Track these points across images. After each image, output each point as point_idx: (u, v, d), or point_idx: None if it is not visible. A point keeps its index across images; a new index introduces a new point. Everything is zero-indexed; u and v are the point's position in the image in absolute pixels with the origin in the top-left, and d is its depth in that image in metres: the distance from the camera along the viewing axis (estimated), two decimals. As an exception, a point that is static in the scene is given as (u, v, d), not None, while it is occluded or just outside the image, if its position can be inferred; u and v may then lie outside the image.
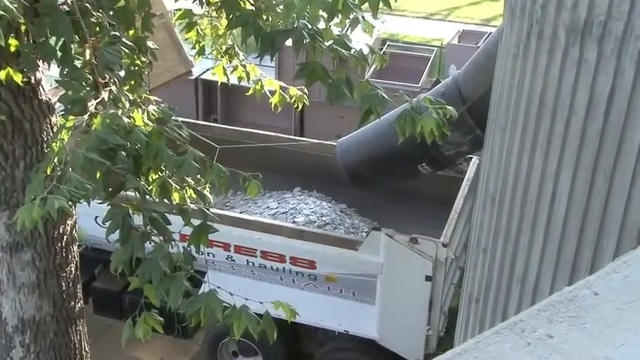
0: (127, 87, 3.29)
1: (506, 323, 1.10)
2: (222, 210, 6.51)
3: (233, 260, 5.99)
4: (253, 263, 5.94)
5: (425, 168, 6.08)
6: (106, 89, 2.94)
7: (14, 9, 2.62)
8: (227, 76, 4.32)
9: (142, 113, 3.08)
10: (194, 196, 3.28)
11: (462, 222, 5.95)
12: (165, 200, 3.10)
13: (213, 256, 5.94)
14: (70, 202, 2.57)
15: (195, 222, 3.16)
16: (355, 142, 6.37)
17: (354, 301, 5.90)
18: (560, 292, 1.18)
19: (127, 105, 3.01)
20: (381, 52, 3.80)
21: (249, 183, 3.40)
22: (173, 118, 3.16)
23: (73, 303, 4.22)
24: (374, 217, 6.85)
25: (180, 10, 4.04)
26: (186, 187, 3.24)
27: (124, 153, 2.87)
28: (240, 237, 5.84)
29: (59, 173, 2.63)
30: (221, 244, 5.85)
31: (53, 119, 3.78)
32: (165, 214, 3.06)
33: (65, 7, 2.93)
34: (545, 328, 1.11)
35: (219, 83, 4.67)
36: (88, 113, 2.81)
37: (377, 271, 5.61)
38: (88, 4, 2.95)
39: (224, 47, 4.26)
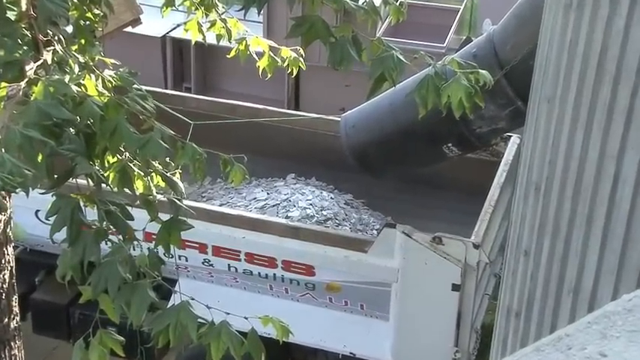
0: (76, 47, 3.28)
1: (550, 338, 1.10)
2: (198, 202, 6.50)
3: (211, 265, 6.00)
4: (236, 269, 5.95)
5: (451, 149, 6.07)
6: (48, 49, 2.93)
7: None
8: (203, 34, 4.30)
9: (96, 80, 3.07)
10: (162, 184, 3.28)
11: (497, 217, 5.96)
12: (126, 189, 3.09)
13: (186, 260, 5.95)
14: (3, 192, 2.56)
15: (164, 217, 3.16)
16: (364, 117, 6.37)
17: (363, 315, 5.92)
18: (617, 302, 1.17)
19: (76, 69, 2.99)
20: (397, 3, 3.78)
21: (232, 168, 3.40)
22: (135, 86, 3.16)
23: (6, 320, 4.22)
24: (387, 210, 6.85)
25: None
26: (153, 173, 3.24)
27: (72, 130, 2.86)
28: (220, 236, 5.84)
29: (-10, 155, 2.62)
30: (196, 245, 5.86)
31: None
32: (126, 206, 3.06)
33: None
34: (598, 344, 1.11)
35: (192, 43, 4.65)
36: (26, 79, 2.79)
37: (391, 278, 5.62)
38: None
39: (199, -3, 4.24)
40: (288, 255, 5.78)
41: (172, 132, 3.09)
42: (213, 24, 4.25)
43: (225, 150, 3.47)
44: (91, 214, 2.99)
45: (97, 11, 3.41)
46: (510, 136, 6.56)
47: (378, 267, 5.60)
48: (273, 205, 6.58)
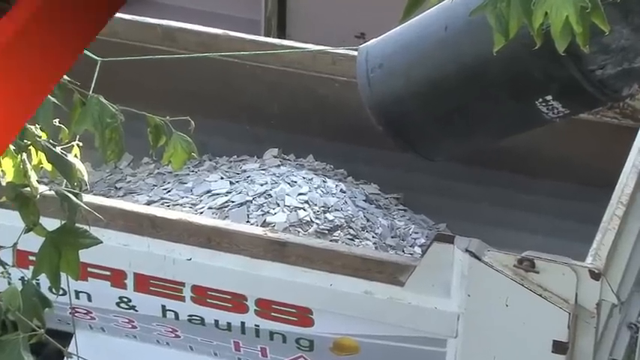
0: None
1: None
2: (110, 197, 6.51)
3: (133, 307, 6.01)
4: (177, 314, 5.97)
5: (551, 106, 6.06)
6: None
7: None
8: None
9: None
10: (47, 166, 3.30)
11: (633, 226, 5.96)
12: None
13: (90, 299, 5.97)
14: None
15: (51, 224, 3.17)
16: (399, 50, 6.35)
17: (397, 396, 5.96)
18: None
19: None
20: None
21: (168, 140, 3.40)
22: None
23: None
24: (438, 213, 6.93)
25: None
26: (31, 148, 3.25)
27: None
28: (149, 256, 5.85)
29: None
30: (107, 273, 5.88)
31: None
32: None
33: None
34: None
35: None
36: None
37: (447, 330, 5.64)
38: None
39: None
40: (267, 290, 5.80)
41: (67, 78, 3.10)
42: None
43: (156, 109, 3.47)
44: None
45: None
46: (655, 84, 6.57)
47: (423, 311, 5.62)
48: (242, 204, 6.60)
